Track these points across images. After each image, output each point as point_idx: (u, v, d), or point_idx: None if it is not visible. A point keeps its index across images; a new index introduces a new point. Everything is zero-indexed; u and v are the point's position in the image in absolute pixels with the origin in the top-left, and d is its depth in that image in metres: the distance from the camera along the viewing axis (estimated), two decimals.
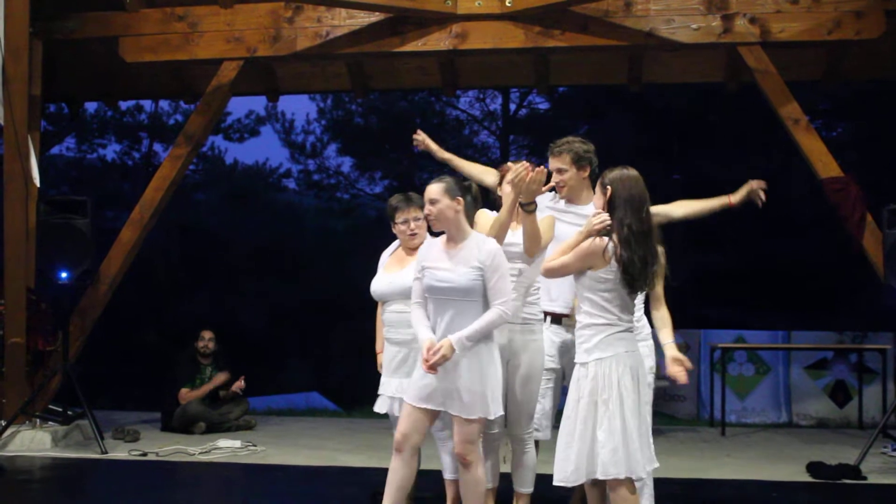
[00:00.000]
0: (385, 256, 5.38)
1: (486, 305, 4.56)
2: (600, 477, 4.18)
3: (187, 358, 9.38)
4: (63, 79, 9.69)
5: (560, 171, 5.17)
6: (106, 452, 7.72)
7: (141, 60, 8.75)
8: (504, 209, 4.83)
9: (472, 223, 4.91)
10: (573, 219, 5.09)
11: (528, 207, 4.69)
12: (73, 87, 10.55)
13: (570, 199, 5.27)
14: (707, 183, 20.17)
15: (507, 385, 4.98)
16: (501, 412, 4.66)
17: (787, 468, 7.44)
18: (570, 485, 4.27)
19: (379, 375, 5.30)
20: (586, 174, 5.22)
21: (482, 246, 4.60)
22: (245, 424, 9.23)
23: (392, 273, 5.19)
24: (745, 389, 10.95)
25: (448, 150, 6.01)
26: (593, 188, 5.15)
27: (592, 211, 4.90)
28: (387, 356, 5.19)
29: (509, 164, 5.04)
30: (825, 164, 7.93)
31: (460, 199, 4.68)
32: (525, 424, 5.05)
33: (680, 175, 21.01)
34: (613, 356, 4.23)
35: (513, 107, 24.34)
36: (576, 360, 4.35)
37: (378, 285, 5.21)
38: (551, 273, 4.39)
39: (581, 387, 4.27)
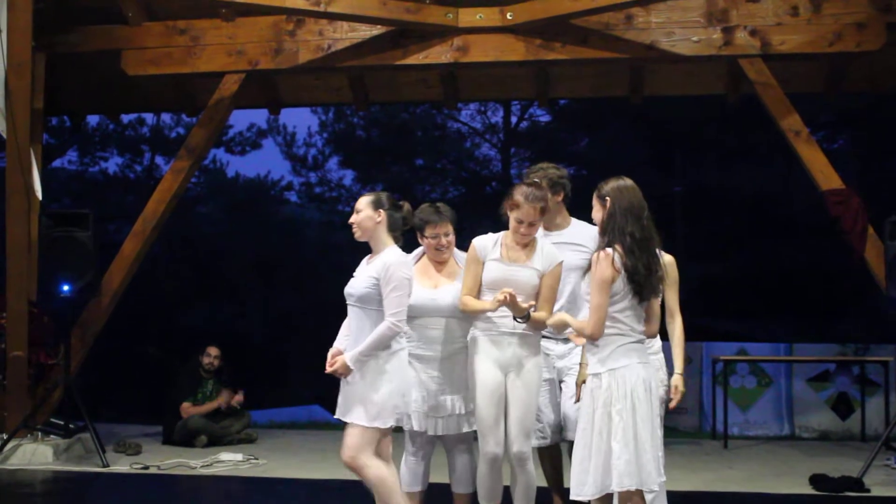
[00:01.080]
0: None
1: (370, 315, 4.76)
2: (615, 489, 4.15)
3: (189, 371, 9.37)
4: (65, 92, 9.71)
5: None
6: (107, 466, 7.71)
7: (143, 73, 8.78)
8: (480, 305, 4.94)
9: (396, 240, 4.97)
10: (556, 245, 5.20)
11: (521, 320, 4.86)
12: (75, 101, 10.58)
13: (544, 225, 5.33)
14: (707, 195, 20.30)
15: (505, 400, 4.99)
16: (387, 424, 4.77)
17: (790, 481, 7.42)
18: (587, 499, 4.25)
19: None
20: (560, 198, 5.40)
21: (384, 258, 4.79)
22: (247, 438, 9.22)
23: (428, 290, 5.21)
24: (747, 402, 10.93)
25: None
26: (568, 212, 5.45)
27: (575, 233, 5.29)
28: (411, 371, 5.08)
29: (517, 198, 4.94)
30: (826, 176, 7.94)
31: (381, 211, 4.86)
32: (524, 442, 4.97)
33: (681, 187, 21.05)
34: (626, 366, 4.23)
35: (514, 119, 24.43)
36: (588, 372, 4.34)
37: (415, 300, 5.04)
38: (599, 328, 4.25)
39: (595, 398, 4.25)
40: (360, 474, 4.80)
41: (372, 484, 4.78)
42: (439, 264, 5.32)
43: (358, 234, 4.92)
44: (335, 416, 4.93)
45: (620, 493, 4.19)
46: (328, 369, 4.81)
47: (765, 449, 9.37)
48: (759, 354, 11.12)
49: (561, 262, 5.01)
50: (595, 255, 4.28)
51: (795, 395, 10.87)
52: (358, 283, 4.83)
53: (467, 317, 5.11)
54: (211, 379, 9.34)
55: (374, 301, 4.75)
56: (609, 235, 4.28)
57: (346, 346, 4.86)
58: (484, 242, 5.06)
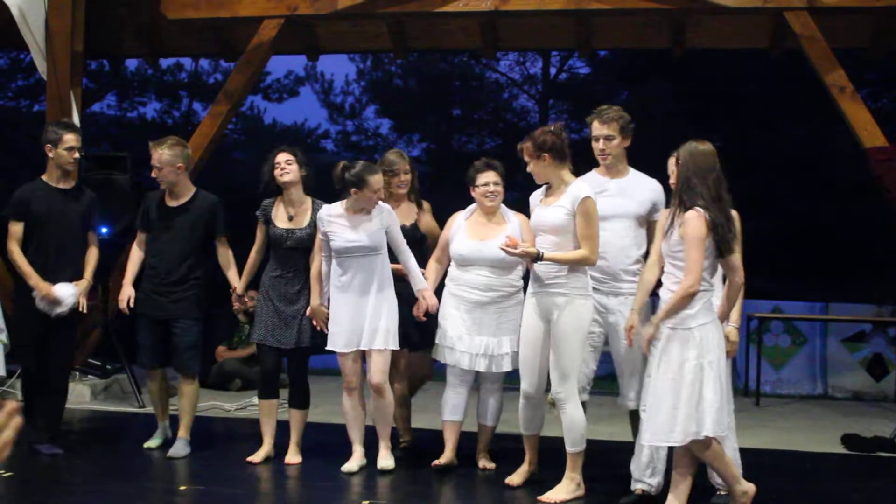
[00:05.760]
0: (461, 220, 5.88)
1: (383, 260, 5.72)
2: (710, 434, 4.43)
3: (226, 316, 9.43)
4: (105, 35, 9.70)
5: (609, 138, 5.37)
6: (143, 406, 7.84)
7: (183, 17, 8.77)
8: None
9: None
10: (614, 192, 5.40)
11: (536, 262, 5.20)
12: (114, 44, 10.57)
13: (610, 168, 5.46)
14: (747, 151, 20.04)
15: (547, 347, 5.24)
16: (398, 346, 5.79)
17: (822, 439, 7.41)
18: (677, 444, 4.55)
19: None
20: (628, 143, 5.46)
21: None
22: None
23: (476, 241, 5.71)
24: (780, 360, 10.87)
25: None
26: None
27: (633, 181, 5.45)
28: (457, 314, 5.74)
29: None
30: (870, 134, 7.80)
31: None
32: (558, 384, 5.17)
33: (722, 142, 20.76)
34: (712, 321, 4.53)
35: (552, 71, 24.15)
36: (675, 326, 4.54)
37: (464, 250, 5.74)
38: (699, 282, 4.49)
39: (686, 350, 4.49)
40: (382, 396, 5.85)
41: (385, 405, 5.94)
42: (491, 215, 5.77)
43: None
44: (363, 347, 5.87)
45: (704, 439, 4.46)
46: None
47: (797, 407, 9.35)
48: (795, 313, 11.04)
49: (586, 198, 5.09)
50: (676, 214, 4.55)
51: (829, 355, 10.79)
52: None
53: (510, 266, 5.63)
54: (247, 323, 9.39)
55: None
56: (682, 196, 4.57)
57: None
58: (535, 197, 5.45)
